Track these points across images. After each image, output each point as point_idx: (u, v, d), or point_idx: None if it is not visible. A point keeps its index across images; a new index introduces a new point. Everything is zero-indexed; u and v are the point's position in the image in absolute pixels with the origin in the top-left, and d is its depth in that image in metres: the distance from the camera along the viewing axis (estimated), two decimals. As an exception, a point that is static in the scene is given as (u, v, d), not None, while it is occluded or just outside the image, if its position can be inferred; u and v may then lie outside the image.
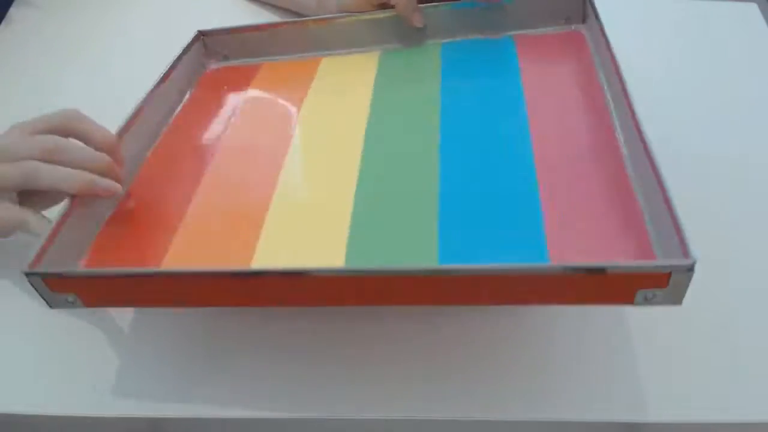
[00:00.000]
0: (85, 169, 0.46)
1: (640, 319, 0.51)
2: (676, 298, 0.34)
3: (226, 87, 0.63)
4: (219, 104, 0.61)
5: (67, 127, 0.48)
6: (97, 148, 0.48)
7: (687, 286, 0.34)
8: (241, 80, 0.63)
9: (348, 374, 0.50)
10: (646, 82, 0.68)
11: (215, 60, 0.66)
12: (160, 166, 0.55)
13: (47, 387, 0.50)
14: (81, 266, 0.44)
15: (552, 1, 0.59)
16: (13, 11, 0.74)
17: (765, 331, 0.52)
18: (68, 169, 0.45)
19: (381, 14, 0.62)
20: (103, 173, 0.47)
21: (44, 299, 0.42)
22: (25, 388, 0.50)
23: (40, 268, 0.41)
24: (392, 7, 0.61)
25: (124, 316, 0.49)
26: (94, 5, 0.75)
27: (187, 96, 0.62)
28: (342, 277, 0.38)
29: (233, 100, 0.61)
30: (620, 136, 0.46)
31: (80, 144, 0.48)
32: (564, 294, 0.36)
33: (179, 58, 0.61)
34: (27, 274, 0.40)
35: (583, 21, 0.59)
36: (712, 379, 0.50)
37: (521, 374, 0.50)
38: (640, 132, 0.42)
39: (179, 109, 0.61)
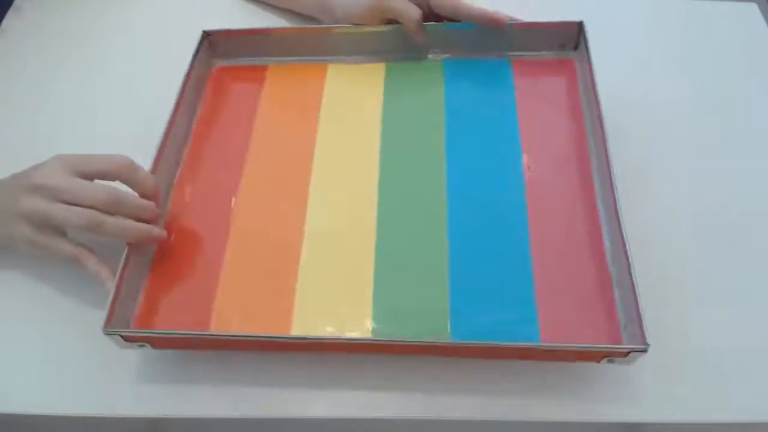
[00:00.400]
0: (137, 218, 0.50)
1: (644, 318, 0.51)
2: (631, 362, 0.46)
3: (237, 95, 0.64)
4: (234, 116, 0.63)
5: (117, 175, 0.51)
6: (143, 195, 0.52)
7: (640, 357, 0.45)
8: (250, 86, 0.65)
9: (348, 374, 0.50)
10: (645, 82, 0.68)
11: (221, 58, 0.67)
12: (189, 196, 0.57)
13: (47, 387, 0.50)
14: (137, 311, 0.51)
15: (547, 29, 0.63)
16: (18, 4, 0.74)
17: (765, 331, 0.52)
18: (126, 221, 0.50)
19: (385, 28, 0.64)
20: (151, 221, 0.51)
21: (119, 345, 0.48)
22: (25, 388, 0.50)
23: (116, 326, 0.48)
24: (398, 22, 0.62)
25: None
26: (96, 1, 0.75)
27: (200, 101, 0.64)
28: (372, 344, 0.49)
29: (248, 113, 0.62)
30: (600, 204, 0.54)
31: (133, 194, 0.51)
32: (550, 357, 0.48)
33: (191, 65, 0.62)
34: (106, 333, 0.47)
35: (575, 48, 0.63)
36: (712, 379, 0.50)
37: (521, 374, 0.50)
38: (615, 203, 0.50)
39: (197, 117, 0.62)
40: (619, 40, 0.72)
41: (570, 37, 0.63)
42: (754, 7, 0.76)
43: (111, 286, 0.48)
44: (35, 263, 0.54)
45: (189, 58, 0.63)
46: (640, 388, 0.50)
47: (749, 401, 0.49)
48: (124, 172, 0.51)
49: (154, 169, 0.54)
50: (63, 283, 0.54)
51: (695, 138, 0.64)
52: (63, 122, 0.65)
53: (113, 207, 0.49)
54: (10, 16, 0.74)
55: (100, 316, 0.51)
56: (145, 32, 0.72)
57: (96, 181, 0.51)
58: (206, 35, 0.65)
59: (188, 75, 0.61)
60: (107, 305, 0.47)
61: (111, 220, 0.49)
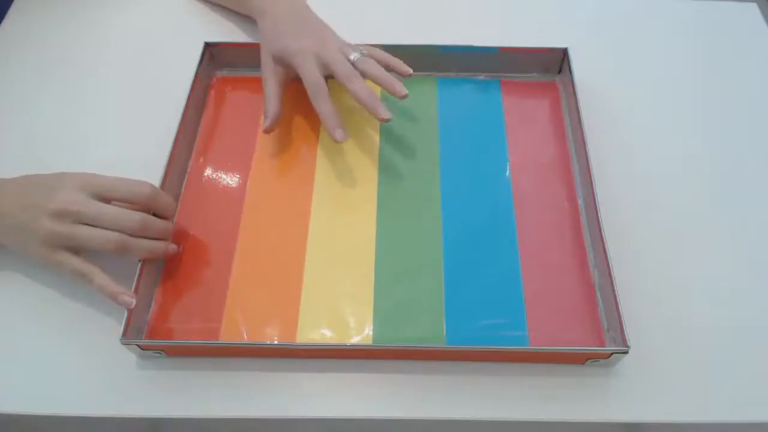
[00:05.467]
0: (157, 238, 0.53)
1: (638, 321, 0.51)
2: (613, 363, 0.50)
3: (239, 106, 0.65)
4: (237, 127, 0.64)
5: (139, 204, 0.52)
6: (162, 218, 0.54)
7: (621, 358, 0.49)
8: (251, 96, 0.66)
9: (347, 376, 0.50)
10: (645, 82, 0.68)
11: (220, 69, 0.68)
12: (196, 207, 0.58)
13: (47, 387, 0.50)
14: (150, 319, 0.52)
15: (534, 54, 0.66)
16: (17, 6, 0.74)
17: (765, 332, 0.52)
18: (150, 242, 0.52)
19: (379, 46, 0.65)
20: (167, 238, 0.54)
21: (136, 354, 0.51)
22: (25, 388, 0.50)
23: (134, 338, 0.50)
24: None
25: (121, 316, 0.49)
26: (95, 7, 0.75)
27: (202, 111, 0.65)
28: (374, 350, 0.51)
29: (250, 124, 0.64)
30: (583, 215, 0.58)
31: (153, 219, 0.52)
32: (536, 359, 0.51)
33: (195, 76, 0.63)
34: (123, 343, 0.49)
35: (559, 72, 0.67)
36: (712, 379, 0.50)
37: (522, 375, 0.50)
38: (597, 213, 0.54)
39: (200, 126, 0.64)
40: (618, 40, 0.73)
41: (554, 62, 0.67)
42: (754, 7, 0.76)
43: (126, 299, 0.49)
44: (35, 264, 0.54)
45: (185, 65, 0.63)
46: (641, 388, 0.50)
47: (749, 401, 0.49)
48: (146, 202, 0.52)
49: (164, 182, 0.55)
50: (63, 284, 0.54)
51: (689, 140, 0.64)
52: (61, 125, 0.65)
53: (140, 232, 0.51)
54: (8, 18, 0.74)
55: (97, 317, 0.52)
56: (143, 40, 0.72)
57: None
58: (207, 46, 0.66)
59: (193, 86, 0.62)
60: (124, 316, 0.49)
61: (137, 244, 0.51)
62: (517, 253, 0.55)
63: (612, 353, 0.48)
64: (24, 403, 0.49)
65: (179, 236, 0.56)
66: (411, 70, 0.60)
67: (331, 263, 0.55)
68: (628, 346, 0.48)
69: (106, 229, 0.50)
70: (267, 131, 0.60)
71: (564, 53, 0.66)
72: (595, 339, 0.51)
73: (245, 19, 0.73)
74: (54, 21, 0.73)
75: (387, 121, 0.57)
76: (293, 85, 0.62)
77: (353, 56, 0.59)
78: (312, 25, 0.62)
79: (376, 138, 0.63)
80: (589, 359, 0.50)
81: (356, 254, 0.55)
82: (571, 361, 0.50)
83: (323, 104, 0.58)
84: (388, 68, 0.61)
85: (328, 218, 0.58)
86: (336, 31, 0.64)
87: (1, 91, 0.67)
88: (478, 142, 0.62)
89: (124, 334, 0.48)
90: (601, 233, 0.53)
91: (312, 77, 0.59)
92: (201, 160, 0.61)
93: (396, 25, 0.73)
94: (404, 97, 0.57)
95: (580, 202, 0.58)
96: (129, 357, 0.51)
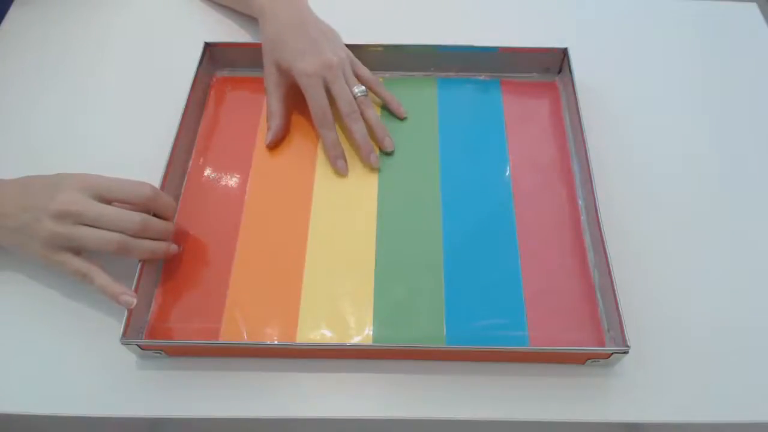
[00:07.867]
0: (158, 238, 0.53)
1: (638, 321, 0.51)
2: (613, 363, 0.50)
3: (239, 106, 0.65)
4: (237, 127, 0.64)
5: (140, 206, 0.52)
6: (162, 218, 0.54)
7: (621, 358, 0.49)
8: (251, 96, 0.66)
9: (347, 376, 0.50)
10: (645, 82, 0.68)
11: (220, 69, 0.68)
12: (196, 207, 0.59)
13: (47, 387, 0.50)
14: (150, 319, 0.52)
15: (534, 54, 0.67)
16: (16, 8, 0.74)
17: (765, 332, 0.52)
18: (151, 243, 0.52)
19: (381, 47, 0.66)
20: (168, 239, 0.54)
21: (136, 354, 0.51)
22: (25, 388, 0.50)
23: (134, 338, 0.50)
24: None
25: (121, 316, 0.49)
26: (89, 6, 0.75)
27: (202, 111, 0.65)
28: (373, 350, 0.51)
29: (250, 124, 0.64)
30: (583, 215, 0.57)
31: (153, 220, 0.52)
32: (536, 359, 0.51)
33: (195, 76, 0.63)
34: (124, 343, 0.49)
35: (559, 72, 0.67)
36: (712, 379, 0.50)
37: (522, 375, 0.50)
38: (597, 213, 0.54)
39: (200, 126, 0.64)
40: (618, 40, 0.73)
41: (554, 62, 0.67)
42: (754, 7, 0.76)
43: (127, 299, 0.49)
44: (35, 264, 0.54)
45: (185, 65, 0.63)
46: (641, 388, 0.50)
47: (749, 401, 0.49)
48: (147, 203, 0.52)
49: (164, 182, 0.55)
50: (63, 284, 0.54)
51: (689, 140, 0.64)
52: (61, 125, 0.65)
53: (141, 233, 0.51)
54: (8, 18, 0.74)
55: (97, 317, 0.52)
56: (143, 40, 0.72)
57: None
58: (208, 46, 0.66)
59: (193, 86, 0.62)
60: (124, 316, 0.49)
61: (138, 244, 0.51)
62: (517, 253, 0.55)
63: (612, 353, 0.49)
64: (24, 403, 0.49)
65: (179, 236, 0.56)
66: (405, 114, 0.64)
67: (331, 263, 0.55)
68: (628, 346, 0.48)
69: (107, 229, 0.50)
70: (269, 146, 0.62)
71: (564, 53, 0.66)
72: (595, 339, 0.51)
73: (246, 19, 0.73)
74: (54, 21, 0.73)
75: (374, 168, 0.61)
76: (295, 87, 0.62)
77: (356, 90, 0.61)
78: (314, 32, 0.62)
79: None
80: (589, 359, 0.50)
81: (356, 254, 0.55)
82: (571, 361, 0.50)
83: (327, 133, 0.61)
84: (387, 105, 0.65)
85: (328, 218, 0.58)
86: (336, 31, 0.64)
87: (0, 91, 0.67)
88: (478, 142, 0.62)
89: (124, 334, 0.48)
90: (601, 233, 0.53)
91: (319, 105, 0.60)
92: (201, 160, 0.61)
93: (396, 25, 0.73)
94: (389, 147, 0.62)
95: (580, 202, 0.58)
96: (129, 357, 0.51)
